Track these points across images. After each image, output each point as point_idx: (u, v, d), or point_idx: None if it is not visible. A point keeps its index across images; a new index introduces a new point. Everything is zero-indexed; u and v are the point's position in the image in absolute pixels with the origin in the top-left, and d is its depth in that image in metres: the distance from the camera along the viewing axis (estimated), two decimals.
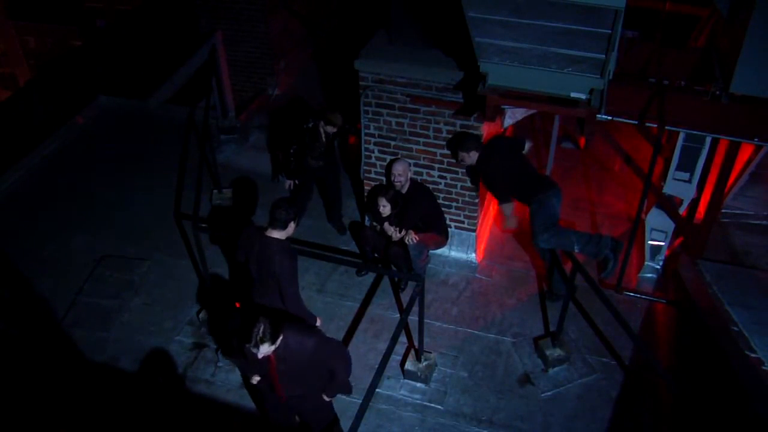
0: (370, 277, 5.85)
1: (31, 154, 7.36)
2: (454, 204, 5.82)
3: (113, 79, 9.10)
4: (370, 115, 5.64)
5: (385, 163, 5.87)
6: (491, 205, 6.38)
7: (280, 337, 3.54)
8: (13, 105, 9.83)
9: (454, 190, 5.78)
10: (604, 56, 4.16)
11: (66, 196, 6.87)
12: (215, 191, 6.71)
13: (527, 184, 5.18)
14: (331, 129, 5.85)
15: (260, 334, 3.39)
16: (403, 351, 5.10)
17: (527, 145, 5.61)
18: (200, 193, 5.82)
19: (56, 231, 6.38)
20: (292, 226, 4.31)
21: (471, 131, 5.38)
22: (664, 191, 5.45)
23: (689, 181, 5.31)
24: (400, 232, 5.46)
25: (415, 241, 5.36)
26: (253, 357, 3.56)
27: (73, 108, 8.13)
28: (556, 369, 5.01)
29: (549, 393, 4.88)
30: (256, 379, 3.95)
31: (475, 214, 5.84)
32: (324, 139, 5.92)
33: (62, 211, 6.66)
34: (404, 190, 5.56)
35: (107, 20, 24.20)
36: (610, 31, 3.93)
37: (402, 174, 5.49)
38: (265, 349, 3.45)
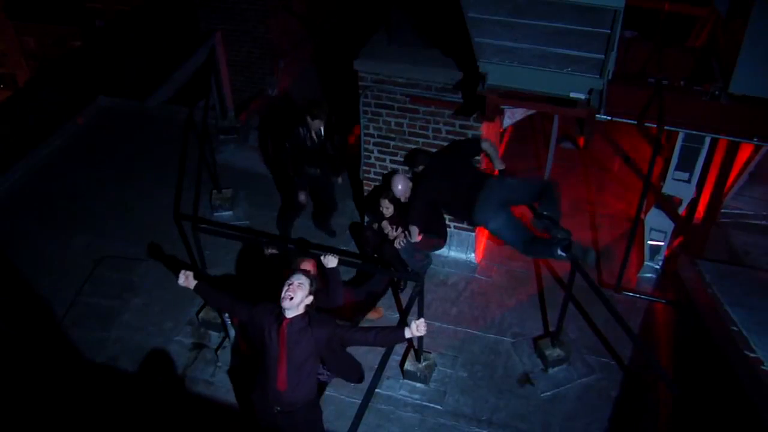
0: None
1: (31, 154, 7.37)
2: None
3: (113, 80, 9.12)
4: (369, 116, 5.64)
5: (384, 164, 5.87)
6: None
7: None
8: (13, 105, 9.85)
9: None
10: (603, 56, 4.16)
11: (66, 196, 6.88)
12: (215, 191, 6.71)
13: (462, 208, 4.96)
14: (318, 124, 5.62)
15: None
16: (402, 351, 5.10)
17: (485, 145, 5.28)
18: (200, 193, 5.83)
19: (56, 231, 6.38)
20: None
21: (421, 150, 5.44)
22: (663, 191, 5.45)
23: (688, 181, 5.30)
24: (396, 231, 5.45)
25: (402, 245, 5.32)
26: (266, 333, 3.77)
27: (73, 108, 8.14)
28: (555, 369, 5.01)
29: (548, 393, 4.88)
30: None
31: None
32: (316, 138, 5.71)
33: (62, 211, 6.66)
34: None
35: (107, 21, 24.20)
36: (609, 31, 3.94)
37: (406, 190, 5.42)
38: None
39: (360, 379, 4.40)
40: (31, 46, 29.99)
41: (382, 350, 4.20)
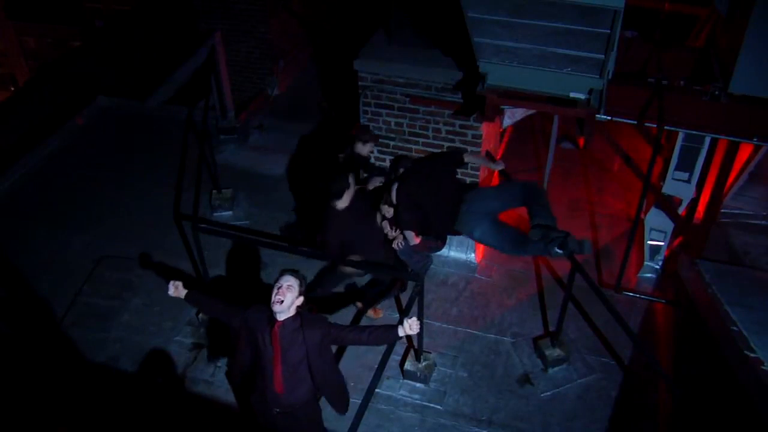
0: (369, 276, 5.84)
1: (31, 154, 7.37)
2: None
3: (112, 80, 9.11)
4: (369, 116, 5.65)
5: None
6: None
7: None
8: (13, 105, 9.84)
9: None
10: (603, 56, 4.17)
11: (66, 196, 6.87)
12: (214, 192, 6.71)
13: (445, 219, 4.95)
14: (369, 147, 5.53)
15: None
16: (402, 351, 5.10)
17: (469, 158, 5.24)
18: (200, 193, 5.83)
19: (56, 231, 6.38)
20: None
21: (404, 156, 5.49)
22: (663, 191, 5.45)
23: (688, 181, 5.31)
24: (395, 231, 5.45)
25: (401, 246, 5.32)
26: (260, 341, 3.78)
27: (73, 108, 8.13)
28: (555, 369, 5.01)
29: (548, 393, 4.88)
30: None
31: None
32: (356, 160, 5.61)
33: (62, 211, 6.66)
34: None
35: (107, 20, 24.21)
36: (609, 31, 3.94)
37: None
38: None
39: (345, 411, 4.22)
40: (31, 46, 30.02)
41: (382, 350, 4.20)
